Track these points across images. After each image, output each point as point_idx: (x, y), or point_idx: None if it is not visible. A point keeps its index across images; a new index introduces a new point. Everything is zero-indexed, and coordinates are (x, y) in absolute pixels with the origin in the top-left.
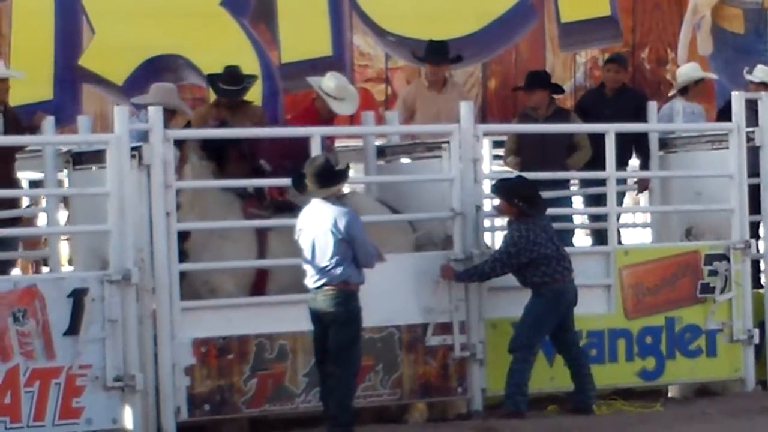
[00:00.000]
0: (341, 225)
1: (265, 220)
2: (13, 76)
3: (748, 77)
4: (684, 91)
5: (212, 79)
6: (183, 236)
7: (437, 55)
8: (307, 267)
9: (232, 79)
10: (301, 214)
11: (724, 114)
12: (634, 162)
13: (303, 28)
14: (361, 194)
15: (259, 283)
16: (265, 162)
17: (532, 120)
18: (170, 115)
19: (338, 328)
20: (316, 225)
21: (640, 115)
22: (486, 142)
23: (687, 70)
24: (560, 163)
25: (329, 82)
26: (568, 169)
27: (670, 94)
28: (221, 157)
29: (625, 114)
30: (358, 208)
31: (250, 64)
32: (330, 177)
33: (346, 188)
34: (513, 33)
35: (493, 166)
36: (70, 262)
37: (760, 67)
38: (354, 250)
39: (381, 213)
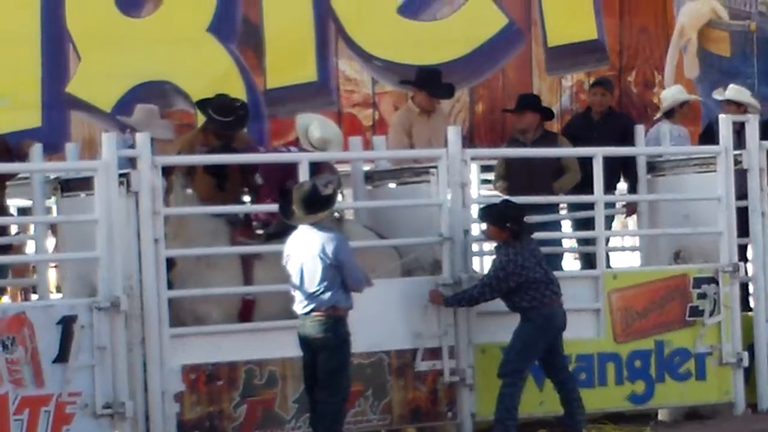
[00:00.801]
0: (329, 250)
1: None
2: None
3: (718, 97)
4: (670, 114)
5: (204, 108)
6: (168, 265)
7: (436, 87)
8: (295, 293)
9: (224, 109)
10: (289, 240)
11: (706, 136)
12: (622, 186)
13: (289, 54)
14: (352, 221)
15: (244, 313)
16: (258, 176)
17: (520, 144)
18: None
19: (327, 354)
20: (304, 250)
21: (627, 139)
22: (474, 167)
23: (672, 93)
24: (548, 187)
25: (315, 132)
26: (556, 192)
27: (655, 118)
28: (221, 173)
29: (612, 137)
30: (348, 236)
31: (236, 90)
32: (317, 203)
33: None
34: (500, 57)
35: (481, 190)
36: (58, 289)
37: (731, 86)
38: (343, 275)
39: (371, 240)
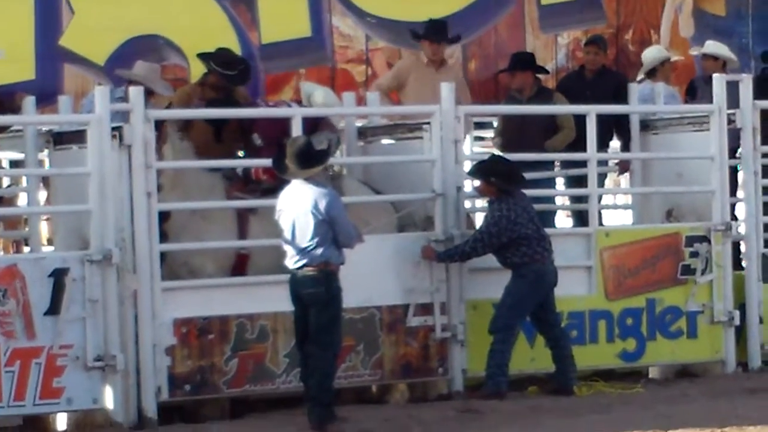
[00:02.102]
0: (322, 206)
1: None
2: None
3: (696, 53)
4: (651, 73)
5: (206, 62)
6: (163, 217)
7: (437, 34)
8: (287, 248)
9: (228, 63)
10: (281, 195)
11: (689, 94)
12: (615, 144)
13: (282, 9)
14: (349, 177)
15: (239, 267)
16: (257, 137)
17: (516, 102)
18: (148, 95)
19: (319, 309)
20: (297, 206)
21: (621, 97)
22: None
23: (652, 53)
24: (540, 145)
25: (318, 98)
26: (548, 150)
27: (638, 79)
28: (220, 124)
29: (605, 96)
30: (345, 191)
31: (230, 45)
32: (310, 158)
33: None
34: (492, 15)
35: (474, 147)
36: (49, 242)
37: (708, 42)
38: (334, 230)
39: (367, 195)
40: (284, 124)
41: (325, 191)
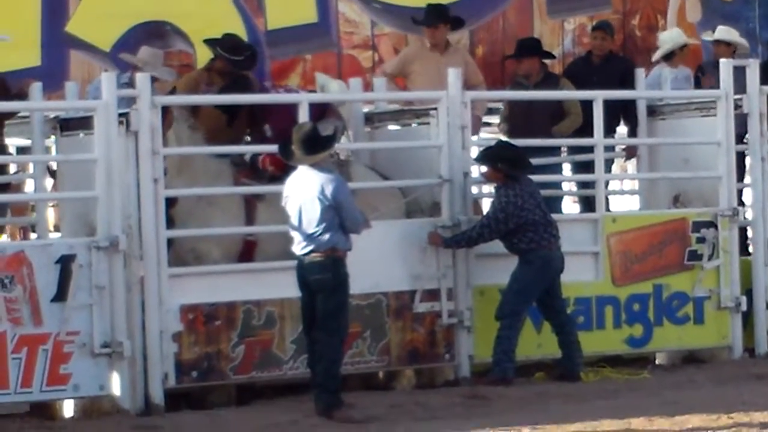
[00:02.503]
0: (328, 191)
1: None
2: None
3: (707, 38)
4: (669, 57)
5: (213, 47)
6: (170, 202)
7: (434, 18)
8: (294, 234)
9: (235, 49)
10: (288, 181)
11: (696, 79)
12: (622, 129)
13: None
14: (357, 163)
15: (246, 254)
16: (268, 128)
17: (523, 87)
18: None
19: (326, 295)
20: (303, 192)
21: (628, 82)
22: None
23: (672, 36)
24: (546, 130)
25: (332, 90)
26: (554, 136)
27: (654, 59)
28: (234, 112)
29: (612, 81)
30: (354, 177)
31: (236, 31)
32: (316, 144)
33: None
34: (500, 0)
35: (481, 133)
36: (56, 228)
37: (719, 27)
38: (341, 216)
39: (375, 181)
40: (294, 116)
41: (331, 177)
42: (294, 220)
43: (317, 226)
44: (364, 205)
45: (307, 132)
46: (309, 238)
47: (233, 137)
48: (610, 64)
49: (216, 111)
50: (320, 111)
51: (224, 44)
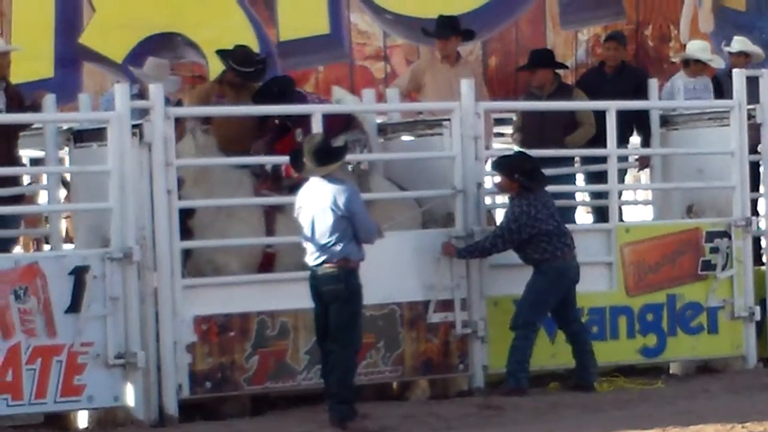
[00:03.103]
0: (341, 202)
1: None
2: (12, 49)
3: (726, 49)
4: (686, 64)
5: (225, 59)
6: (188, 213)
7: (443, 30)
8: (307, 245)
9: (245, 61)
10: (300, 192)
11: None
12: (635, 139)
13: (301, 7)
14: (376, 174)
15: (266, 265)
16: (299, 132)
17: (536, 98)
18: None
19: (339, 306)
20: (316, 202)
21: (641, 93)
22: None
23: (697, 48)
24: (560, 140)
25: (348, 101)
26: (567, 146)
27: (672, 58)
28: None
29: (626, 92)
30: (372, 188)
31: (248, 42)
32: (327, 155)
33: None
34: (513, 11)
35: (494, 143)
36: (69, 240)
37: (736, 38)
38: (354, 226)
39: (394, 192)
40: (330, 120)
41: (343, 187)
42: (307, 231)
43: (330, 236)
44: (383, 216)
45: (318, 143)
46: (322, 248)
47: (249, 147)
48: (623, 74)
49: (234, 120)
50: (345, 123)
51: (235, 56)
